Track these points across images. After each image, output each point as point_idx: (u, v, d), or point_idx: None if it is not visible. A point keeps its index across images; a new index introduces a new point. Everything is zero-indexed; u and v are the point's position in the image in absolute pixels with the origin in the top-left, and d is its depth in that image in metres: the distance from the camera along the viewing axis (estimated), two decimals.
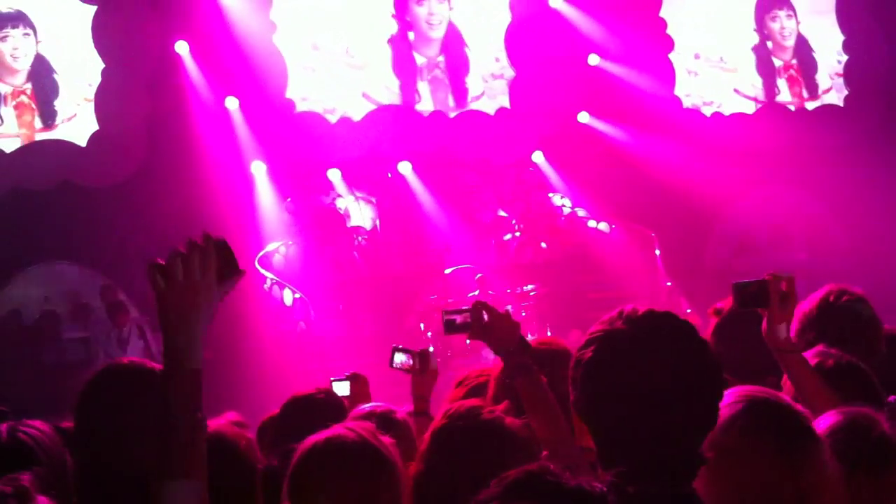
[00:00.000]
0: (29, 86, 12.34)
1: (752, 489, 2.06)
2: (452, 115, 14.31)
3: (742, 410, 2.14)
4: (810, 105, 15.61)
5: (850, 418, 2.37)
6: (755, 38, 15.61)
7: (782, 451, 2.08)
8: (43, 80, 12.38)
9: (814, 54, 15.74)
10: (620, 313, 2.11)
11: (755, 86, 15.52)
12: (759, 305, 2.99)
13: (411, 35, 14.24)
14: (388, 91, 14.07)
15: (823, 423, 2.34)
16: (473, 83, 14.47)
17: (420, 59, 14.28)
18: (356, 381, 4.25)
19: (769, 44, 15.65)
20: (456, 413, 2.51)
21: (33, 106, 12.33)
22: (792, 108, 15.47)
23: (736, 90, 15.40)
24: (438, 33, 14.35)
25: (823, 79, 15.74)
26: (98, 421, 2.57)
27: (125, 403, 2.55)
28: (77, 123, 12.49)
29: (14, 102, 12.26)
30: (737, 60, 15.51)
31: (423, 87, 14.27)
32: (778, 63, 15.66)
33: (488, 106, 14.47)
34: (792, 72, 15.65)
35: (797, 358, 2.97)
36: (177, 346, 1.96)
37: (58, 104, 12.45)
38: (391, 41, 14.11)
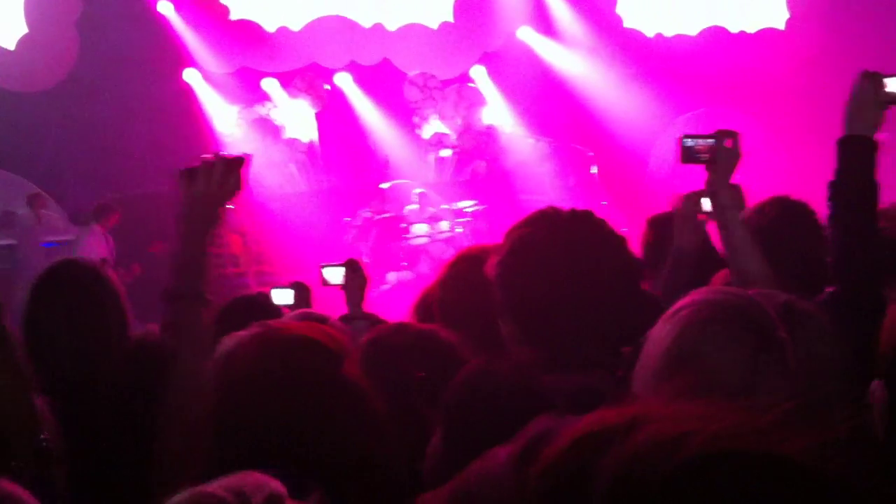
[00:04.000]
0: None
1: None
2: (394, 28, 14.07)
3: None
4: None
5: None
6: None
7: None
8: None
9: None
10: (539, 213, 2.12)
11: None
12: (701, 161, 2.87)
13: None
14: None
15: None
16: None
17: None
18: (299, 289, 4.16)
19: None
20: (388, 328, 2.47)
21: None
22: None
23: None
24: None
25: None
26: (52, 312, 2.67)
27: (79, 296, 2.69)
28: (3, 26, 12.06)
29: None
30: None
31: None
32: None
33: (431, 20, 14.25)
34: None
35: (735, 217, 2.76)
36: (196, 235, 2.33)
37: None
38: None
